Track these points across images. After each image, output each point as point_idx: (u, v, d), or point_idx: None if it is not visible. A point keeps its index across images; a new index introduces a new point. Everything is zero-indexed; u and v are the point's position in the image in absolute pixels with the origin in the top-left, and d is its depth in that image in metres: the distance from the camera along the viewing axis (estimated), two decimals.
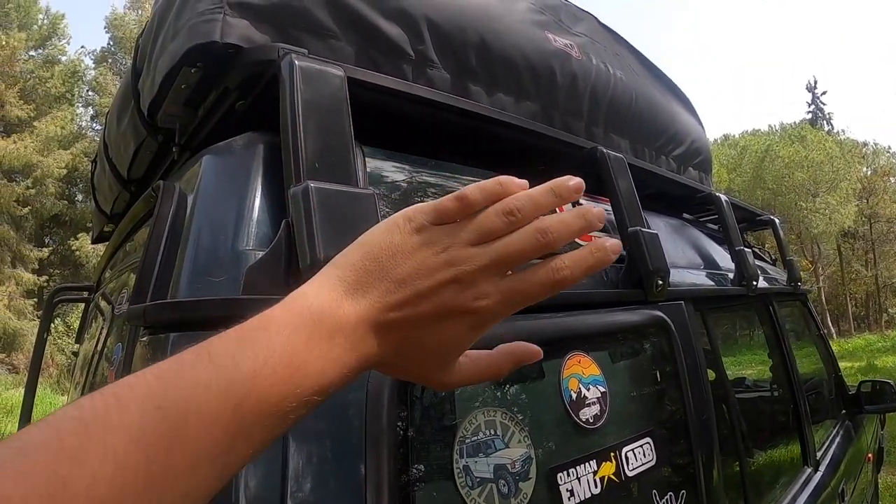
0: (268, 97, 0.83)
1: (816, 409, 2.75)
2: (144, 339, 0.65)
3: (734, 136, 39.75)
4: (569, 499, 0.80)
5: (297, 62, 0.70)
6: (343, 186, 0.63)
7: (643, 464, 0.97)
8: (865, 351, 18.32)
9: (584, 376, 0.89)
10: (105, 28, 24.41)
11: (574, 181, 0.43)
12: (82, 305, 1.92)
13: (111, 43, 24.83)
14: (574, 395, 0.86)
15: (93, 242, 2.19)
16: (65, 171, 21.10)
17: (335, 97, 0.70)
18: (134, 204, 1.68)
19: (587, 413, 0.87)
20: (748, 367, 3.22)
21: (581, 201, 1.30)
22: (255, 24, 0.82)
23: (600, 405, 0.90)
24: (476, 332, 0.41)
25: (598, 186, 1.33)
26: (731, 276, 1.87)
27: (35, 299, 20.48)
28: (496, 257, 0.39)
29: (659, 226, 1.58)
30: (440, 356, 0.42)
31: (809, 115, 44.47)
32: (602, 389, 0.92)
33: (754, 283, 1.86)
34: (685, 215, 2.14)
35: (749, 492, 1.62)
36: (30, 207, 20.98)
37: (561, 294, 0.97)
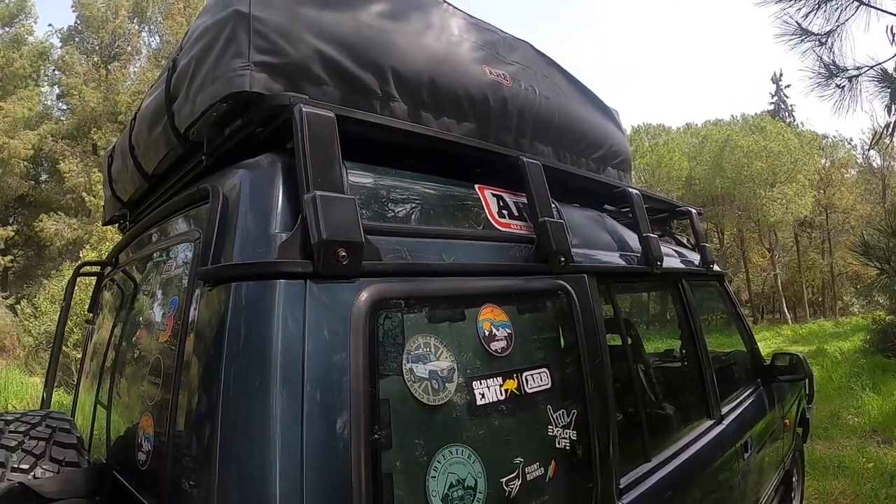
0: (281, 127, 1.22)
1: (726, 375, 3.14)
2: (209, 289, 1.04)
3: (697, 125, 40.65)
4: (480, 398, 1.22)
5: (304, 109, 1.08)
6: (335, 193, 1.02)
7: (540, 385, 1.39)
8: (818, 336, 18.77)
9: (495, 320, 1.30)
10: (72, 7, 24.03)
11: None
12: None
13: (78, 22, 24.46)
14: (487, 332, 1.27)
15: (104, 224, 2.55)
16: (31, 152, 20.88)
17: (329, 133, 1.08)
18: (150, 193, 2.05)
19: (496, 345, 1.28)
20: (662, 336, 3.61)
21: (505, 197, 1.71)
22: (272, 77, 1.20)
23: (507, 341, 1.32)
24: None
25: (520, 186, 1.74)
26: (637, 257, 2.28)
27: None
28: None
29: (575, 216, 1.99)
30: None
31: (772, 107, 45.56)
32: (509, 331, 1.33)
33: (658, 262, 2.28)
34: (608, 207, 2.55)
35: (651, 431, 2.04)
36: None
37: (485, 266, 1.38)
